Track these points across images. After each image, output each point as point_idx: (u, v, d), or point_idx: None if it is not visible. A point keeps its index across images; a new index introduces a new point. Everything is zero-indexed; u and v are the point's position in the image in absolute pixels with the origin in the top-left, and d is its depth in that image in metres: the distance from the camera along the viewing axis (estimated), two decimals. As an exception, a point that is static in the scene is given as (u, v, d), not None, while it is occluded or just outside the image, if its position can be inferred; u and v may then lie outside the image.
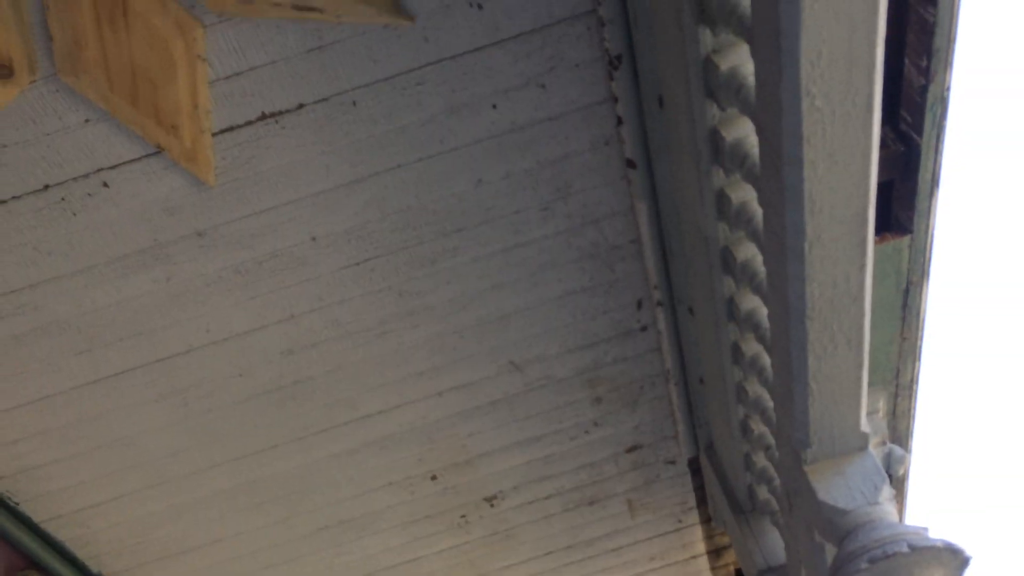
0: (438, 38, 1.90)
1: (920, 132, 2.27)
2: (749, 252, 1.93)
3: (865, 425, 1.82)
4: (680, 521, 3.45)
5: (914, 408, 3.14)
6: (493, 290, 2.46)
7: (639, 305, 2.62)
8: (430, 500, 3.03)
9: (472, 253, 2.35)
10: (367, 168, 2.08)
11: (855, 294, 1.54)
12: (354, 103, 1.96)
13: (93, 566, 2.83)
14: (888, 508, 1.80)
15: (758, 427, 2.40)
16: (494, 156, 2.14)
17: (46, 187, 1.91)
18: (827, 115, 1.37)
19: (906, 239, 2.52)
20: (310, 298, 2.30)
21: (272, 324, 2.33)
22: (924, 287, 2.71)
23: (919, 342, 2.90)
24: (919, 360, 2.99)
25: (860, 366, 1.67)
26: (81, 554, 2.79)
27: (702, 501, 3.37)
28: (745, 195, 1.80)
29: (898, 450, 2.80)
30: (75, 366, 2.24)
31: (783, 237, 1.47)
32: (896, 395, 2.96)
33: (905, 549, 1.65)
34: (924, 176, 2.36)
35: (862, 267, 1.49)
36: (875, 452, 2.85)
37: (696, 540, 3.55)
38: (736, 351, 2.24)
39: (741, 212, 1.83)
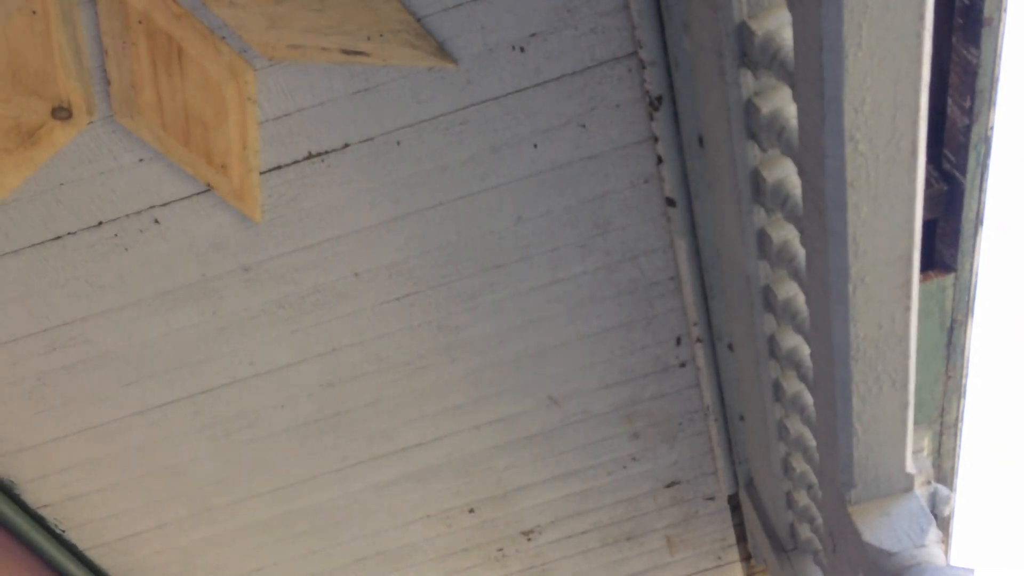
0: (481, 80, 1.93)
1: (964, 171, 2.26)
2: (791, 291, 1.92)
3: (911, 466, 1.80)
4: (720, 558, 3.41)
5: (959, 447, 3.08)
6: (532, 325, 2.47)
7: (678, 341, 2.61)
8: (467, 533, 3.03)
9: (511, 289, 2.37)
10: (409, 205, 2.11)
11: (900, 335, 1.52)
12: (398, 143, 1.99)
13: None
14: (935, 551, 1.77)
15: (800, 465, 2.38)
16: (534, 194, 2.16)
17: (100, 223, 1.97)
18: (871, 160, 1.37)
19: (950, 277, 2.49)
20: (351, 332, 2.33)
21: (313, 357, 2.36)
22: (969, 325, 2.67)
23: (964, 380, 2.86)
24: (964, 398, 2.94)
25: (906, 407, 1.65)
26: (123, 581, 2.83)
27: (742, 538, 3.33)
28: (787, 235, 1.80)
29: (943, 490, 2.75)
30: (122, 397, 2.29)
31: (826, 279, 1.47)
32: (941, 434, 2.91)
33: (951, 596, 1.62)
34: (968, 215, 2.34)
35: (907, 308, 1.48)
36: (920, 492, 2.81)
37: (735, 578, 3.50)
38: (777, 388, 2.23)
39: (783, 251, 1.82)
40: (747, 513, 3.04)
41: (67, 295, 2.06)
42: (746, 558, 3.41)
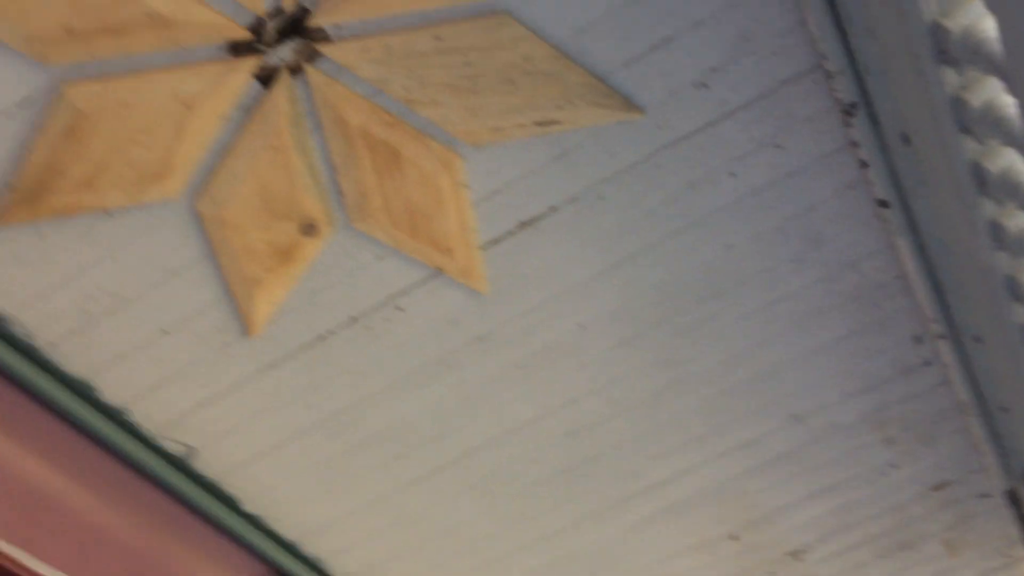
0: (669, 122, 2.01)
1: None
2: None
3: None
4: (1007, 556, 3.19)
5: None
6: (759, 347, 2.47)
7: (918, 341, 2.51)
8: (734, 560, 3.03)
9: (732, 314, 2.39)
10: (620, 253, 2.20)
11: None
12: (601, 197, 2.10)
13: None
14: None
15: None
16: (739, 220, 2.19)
17: (352, 319, 2.22)
18: None
19: None
20: (585, 381, 2.45)
21: (554, 410, 2.50)
22: None
23: None
24: None
25: None
26: (418, 636, 3.07)
27: (1029, 534, 3.09)
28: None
29: None
30: (396, 469, 2.53)
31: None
32: None
33: None
34: None
35: None
36: None
37: (1030, 579, 3.24)
38: (1043, 379, 2.09)
39: (1022, 240, 1.74)
40: (1031, 508, 2.83)
41: (336, 387, 2.33)
42: (1038, 555, 3.15)
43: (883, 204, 2.18)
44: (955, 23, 1.55)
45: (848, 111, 2.00)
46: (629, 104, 1.93)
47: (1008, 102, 1.51)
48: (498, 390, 2.42)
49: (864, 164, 2.10)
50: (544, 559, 2.85)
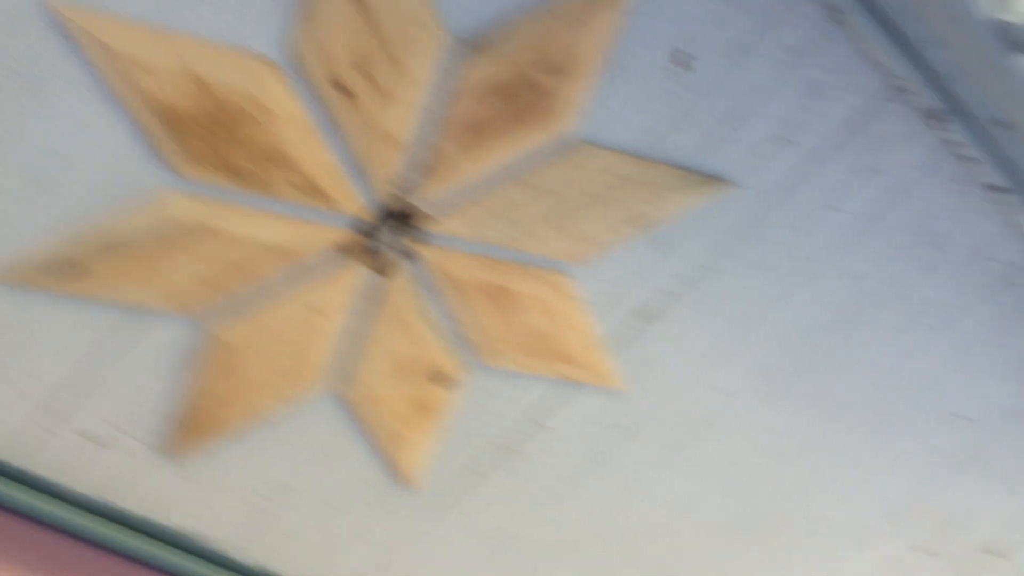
0: (761, 183, 2.11)
1: None
2: None
3: None
4: None
5: None
6: (907, 359, 2.52)
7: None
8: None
9: (876, 340, 2.45)
10: (748, 317, 2.30)
11: None
12: (715, 270, 2.21)
13: None
14: None
15: None
16: (857, 252, 2.26)
17: (507, 449, 2.37)
18: None
19: None
20: (739, 442, 2.54)
21: (712, 476, 2.59)
22: None
23: None
24: None
25: None
26: None
27: None
28: None
29: None
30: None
31: None
32: None
33: None
34: None
35: None
36: None
37: None
38: None
39: None
40: None
41: (504, 514, 2.49)
42: None
43: (996, 189, 2.23)
44: (1015, 15, 1.63)
45: (935, 116, 2.07)
46: (718, 181, 2.05)
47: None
48: (653, 474, 2.53)
49: (964, 158, 2.17)
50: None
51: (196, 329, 1.92)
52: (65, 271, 1.76)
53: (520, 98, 1.82)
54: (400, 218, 1.87)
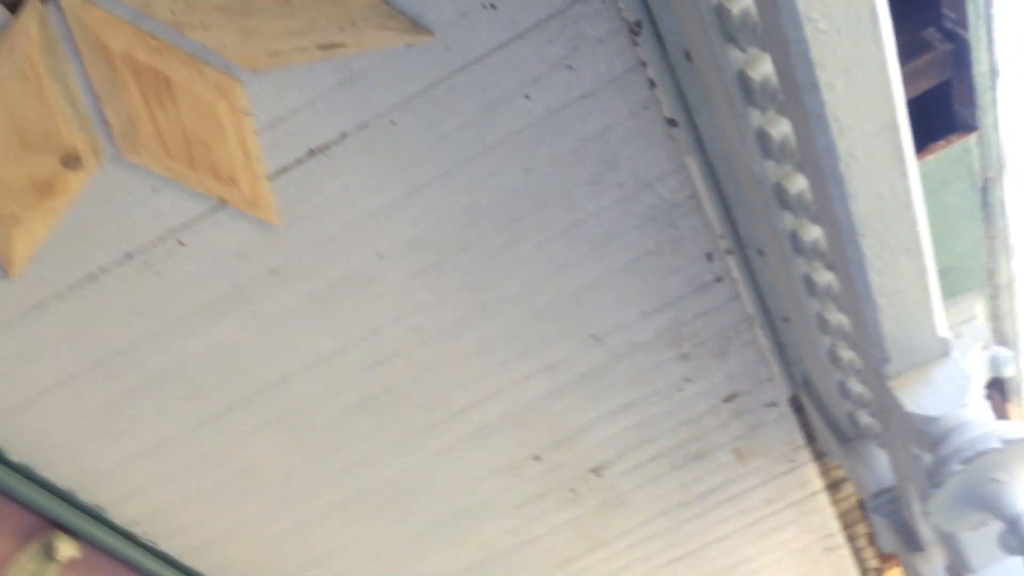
0: (460, 45, 2.07)
1: (966, 26, 2.33)
2: (800, 183, 2.04)
3: (943, 330, 1.93)
4: (792, 461, 3.59)
5: (1017, 307, 3.18)
6: (561, 270, 2.63)
7: (709, 258, 2.75)
8: (537, 480, 3.25)
9: (533, 239, 2.53)
10: (417, 179, 2.27)
11: (903, 202, 1.65)
12: (393, 122, 2.14)
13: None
14: (978, 408, 1.91)
15: (846, 353, 2.52)
16: (536, 143, 2.30)
17: (129, 255, 2.17)
18: (833, 36, 1.50)
19: (973, 137, 2.57)
20: (386, 310, 2.52)
21: (355, 341, 2.56)
22: (1002, 181, 2.75)
23: (1009, 238, 2.95)
24: (1012, 257, 3.04)
25: (924, 272, 1.78)
26: (220, 580, 3.12)
27: (811, 438, 3.49)
28: (784, 128, 1.91)
29: (1004, 351, 2.88)
30: (184, 410, 2.53)
31: (819, 162, 1.60)
32: (994, 297, 3.02)
33: (998, 445, 1.77)
34: (979, 70, 2.41)
35: (904, 174, 1.61)
36: (980, 356, 2.93)
37: (812, 477, 3.68)
38: (809, 283, 2.36)
39: (784, 146, 1.94)
40: (810, 412, 3.21)
41: (112, 326, 2.29)
42: (819, 457, 3.58)
43: (672, 123, 2.35)
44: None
45: (634, 30, 2.14)
46: (416, 26, 1.97)
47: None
48: (294, 322, 2.46)
49: (653, 84, 2.26)
50: (347, 492, 2.95)
51: None
52: None
53: None
54: (42, -61, 1.62)
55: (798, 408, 3.36)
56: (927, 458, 2.06)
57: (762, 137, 2.01)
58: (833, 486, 3.75)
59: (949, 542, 2.29)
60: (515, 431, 3.05)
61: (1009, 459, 1.84)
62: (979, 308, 3.04)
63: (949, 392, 1.98)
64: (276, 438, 2.70)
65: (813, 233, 2.20)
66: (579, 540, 3.57)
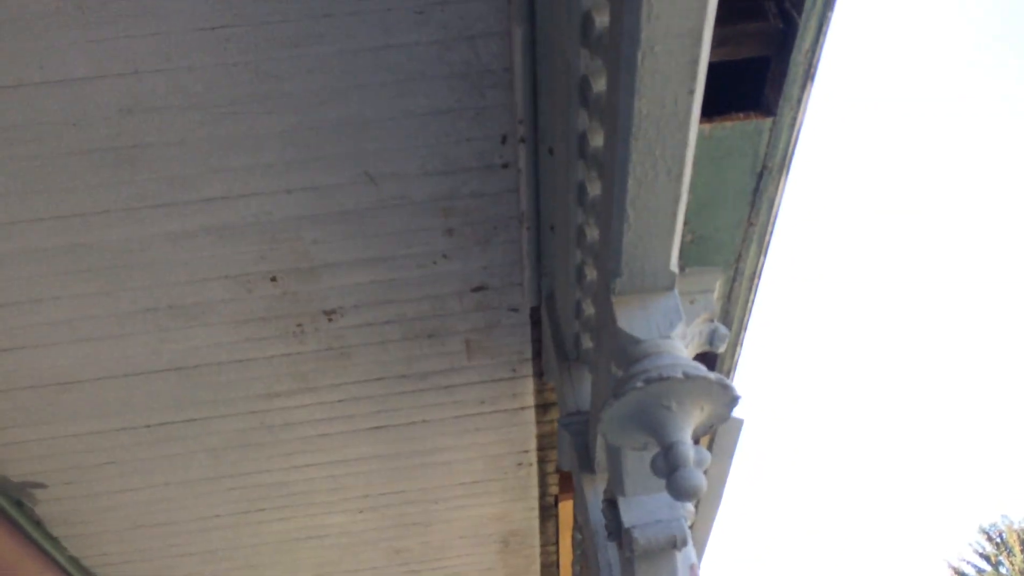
0: None
1: (800, 11, 2.32)
2: (602, 84, 1.95)
3: (675, 265, 1.92)
4: (514, 371, 3.58)
5: (752, 300, 3.30)
6: (357, 90, 2.43)
7: (504, 140, 2.64)
8: (267, 302, 3.05)
9: (339, 45, 2.31)
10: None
11: (682, 119, 1.59)
12: None
13: None
14: (678, 344, 1.91)
15: (591, 272, 2.50)
16: (373, -60, 2.08)
17: None
18: None
19: (768, 122, 2.59)
20: (157, 56, 2.23)
21: (113, 76, 2.25)
22: (781, 178, 2.81)
23: (767, 234, 3.03)
24: (765, 254, 3.13)
25: (678, 200, 1.74)
26: None
27: (537, 354, 3.50)
28: (606, 19, 1.81)
29: (723, 328, 2.96)
30: None
31: (619, 45, 1.50)
32: (734, 279, 3.11)
33: (679, 375, 1.77)
34: (797, 59, 2.42)
35: (691, 91, 1.54)
36: (701, 327, 3.00)
37: (526, 392, 3.70)
38: (582, 191, 2.30)
39: (602, 38, 1.84)
40: (544, 327, 3.19)
41: None
42: (538, 374, 3.59)
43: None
44: None
45: None
46: None
47: None
48: (48, 28, 2.11)
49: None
50: (57, 242, 2.61)
51: None
52: None
53: None
54: None
55: (536, 321, 3.34)
56: (619, 375, 2.05)
57: (586, 22, 1.90)
58: (542, 407, 3.79)
59: (612, 464, 2.32)
60: (259, 243, 2.83)
61: (684, 392, 1.84)
62: (717, 284, 3.12)
63: (659, 322, 1.97)
64: (-9, 150, 2.34)
65: (599, 140, 2.13)
66: (291, 379, 3.40)
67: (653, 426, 1.86)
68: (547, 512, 4.54)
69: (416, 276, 3.07)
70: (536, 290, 3.16)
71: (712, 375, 1.80)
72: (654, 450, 1.98)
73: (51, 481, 3.68)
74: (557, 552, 4.84)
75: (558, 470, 4.17)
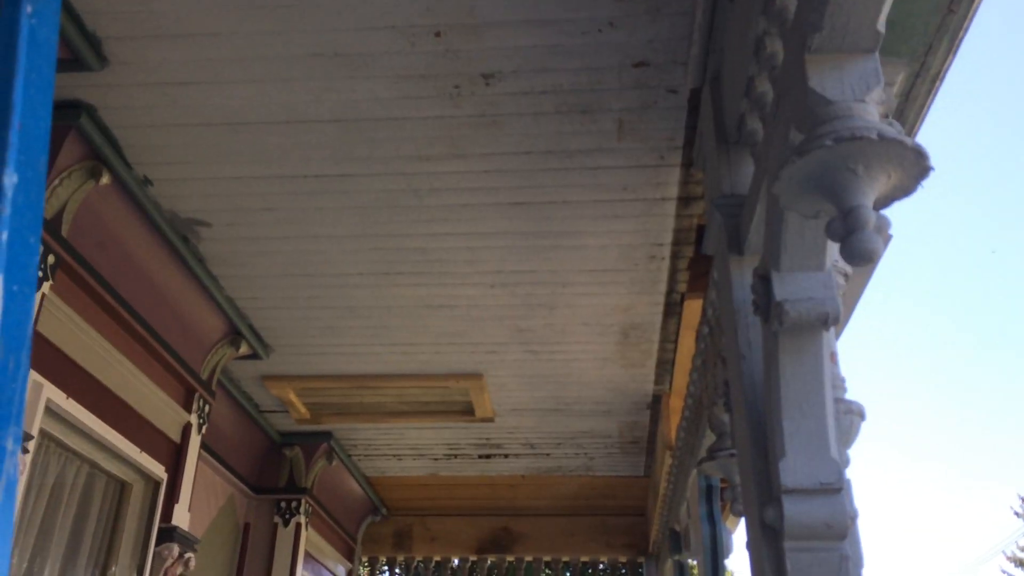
0: None
1: None
2: None
3: (882, 25, 1.74)
4: (662, 158, 3.47)
5: (929, 104, 3.04)
6: None
7: None
8: (428, 59, 2.98)
9: None
10: None
11: None
12: None
13: (89, 23, 2.82)
14: (871, 108, 1.76)
15: (773, 44, 2.32)
16: None
17: None
18: None
19: None
20: None
21: None
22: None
23: (963, 29, 2.75)
24: (955, 52, 2.85)
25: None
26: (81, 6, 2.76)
27: (688, 143, 3.36)
28: None
29: (898, 126, 2.75)
30: None
31: None
32: (917, 75, 2.86)
33: (874, 136, 1.64)
34: None
35: None
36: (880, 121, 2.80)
37: (671, 182, 3.59)
38: (778, -53, 2.09)
39: None
40: (704, 110, 3.04)
41: None
42: (686, 164, 3.47)
43: None
44: None
45: None
46: None
47: None
48: None
49: None
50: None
51: None
52: None
53: None
54: None
55: (693, 107, 3.19)
56: (799, 139, 1.92)
57: None
58: (684, 200, 3.69)
59: (771, 237, 2.23)
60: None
61: (875, 154, 1.70)
62: (899, 78, 2.89)
63: (854, 85, 1.80)
64: None
65: None
66: (442, 143, 3.38)
67: (835, 189, 1.75)
68: (672, 308, 4.53)
69: (578, 44, 2.93)
70: (701, 69, 2.97)
71: (908, 140, 1.65)
72: (823, 220, 1.88)
73: (215, 221, 3.86)
74: (675, 350, 4.86)
75: (689, 267, 4.11)
